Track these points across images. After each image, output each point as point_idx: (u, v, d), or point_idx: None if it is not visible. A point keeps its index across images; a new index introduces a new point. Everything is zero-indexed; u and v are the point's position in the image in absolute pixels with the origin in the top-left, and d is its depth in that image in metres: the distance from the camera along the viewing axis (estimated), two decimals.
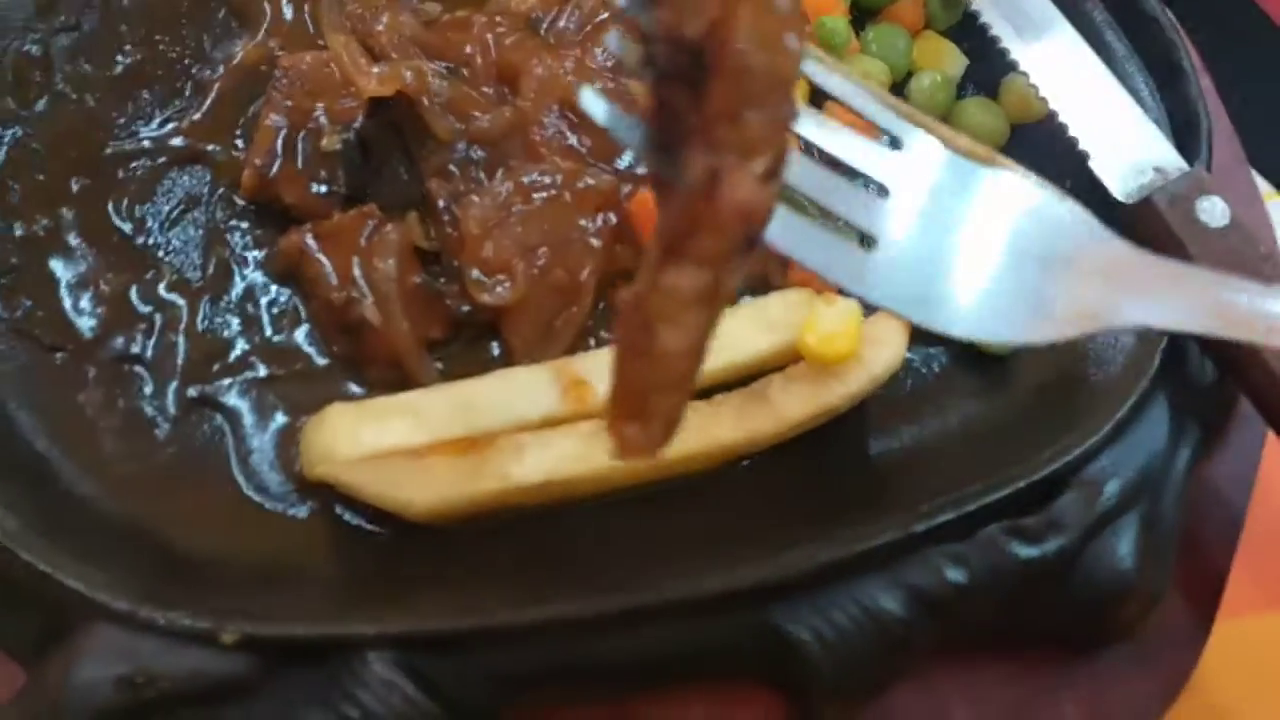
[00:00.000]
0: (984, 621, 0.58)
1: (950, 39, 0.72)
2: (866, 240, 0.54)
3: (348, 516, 0.57)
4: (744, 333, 0.61)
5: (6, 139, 0.65)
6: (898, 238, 0.54)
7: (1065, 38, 0.69)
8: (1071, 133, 0.66)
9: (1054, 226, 0.55)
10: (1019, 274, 0.54)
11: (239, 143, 0.65)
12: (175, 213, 0.64)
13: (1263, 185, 0.82)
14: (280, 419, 0.59)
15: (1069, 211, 0.55)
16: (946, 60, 0.72)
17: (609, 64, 0.66)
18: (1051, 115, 0.67)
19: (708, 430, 0.59)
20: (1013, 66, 0.69)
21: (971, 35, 0.72)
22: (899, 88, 0.71)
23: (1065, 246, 0.55)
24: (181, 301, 0.62)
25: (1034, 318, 0.54)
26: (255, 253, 0.63)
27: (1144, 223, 0.64)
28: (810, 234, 0.52)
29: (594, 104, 0.45)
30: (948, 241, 0.54)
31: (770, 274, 0.66)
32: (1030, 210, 0.55)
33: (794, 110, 0.38)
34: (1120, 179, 0.65)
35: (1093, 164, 0.66)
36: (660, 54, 0.38)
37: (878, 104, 0.57)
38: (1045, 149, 0.68)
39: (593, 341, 0.62)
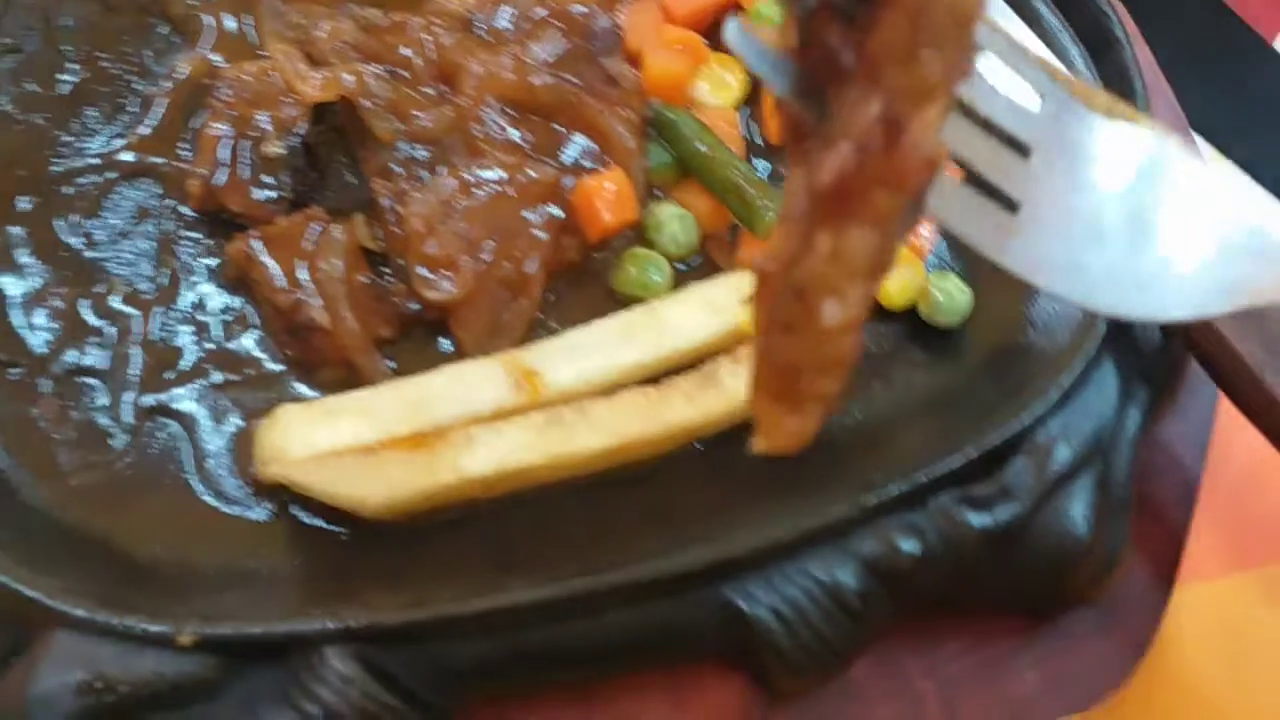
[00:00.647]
0: (940, 591, 0.59)
1: None
2: (1008, 204, 0.49)
3: (304, 517, 0.58)
4: (690, 317, 0.62)
5: None
6: (1040, 203, 0.49)
7: (1000, 17, 0.69)
8: None
9: (1200, 192, 0.50)
10: (1161, 243, 0.49)
11: (185, 154, 0.66)
12: (124, 226, 0.65)
13: (1206, 149, 0.83)
14: (235, 424, 0.60)
15: (1217, 176, 0.50)
16: None
17: (546, 59, 0.66)
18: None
19: (659, 414, 0.59)
20: None
21: None
22: None
23: (1213, 215, 0.49)
24: (133, 313, 0.62)
25: (1180, 291, 0.49)
26: (205, 261, 0.64)
27: None
28: (953, 195, 0.47)
29: (738, 38, 0.39)
30: (1091, 208, 0.49)
31: (717, 257, 0.67)
32: (1174, 174, 0.50)
33: (975, 52, 0.34)
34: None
35: None
36: None
37: (1019, 57, 0.51)
38: None
39: (543, 333, 0.63)
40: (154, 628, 0.51)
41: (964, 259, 0.68)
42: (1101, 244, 0.49)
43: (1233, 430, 0.68)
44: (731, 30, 0.39)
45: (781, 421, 0.38)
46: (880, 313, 0.66)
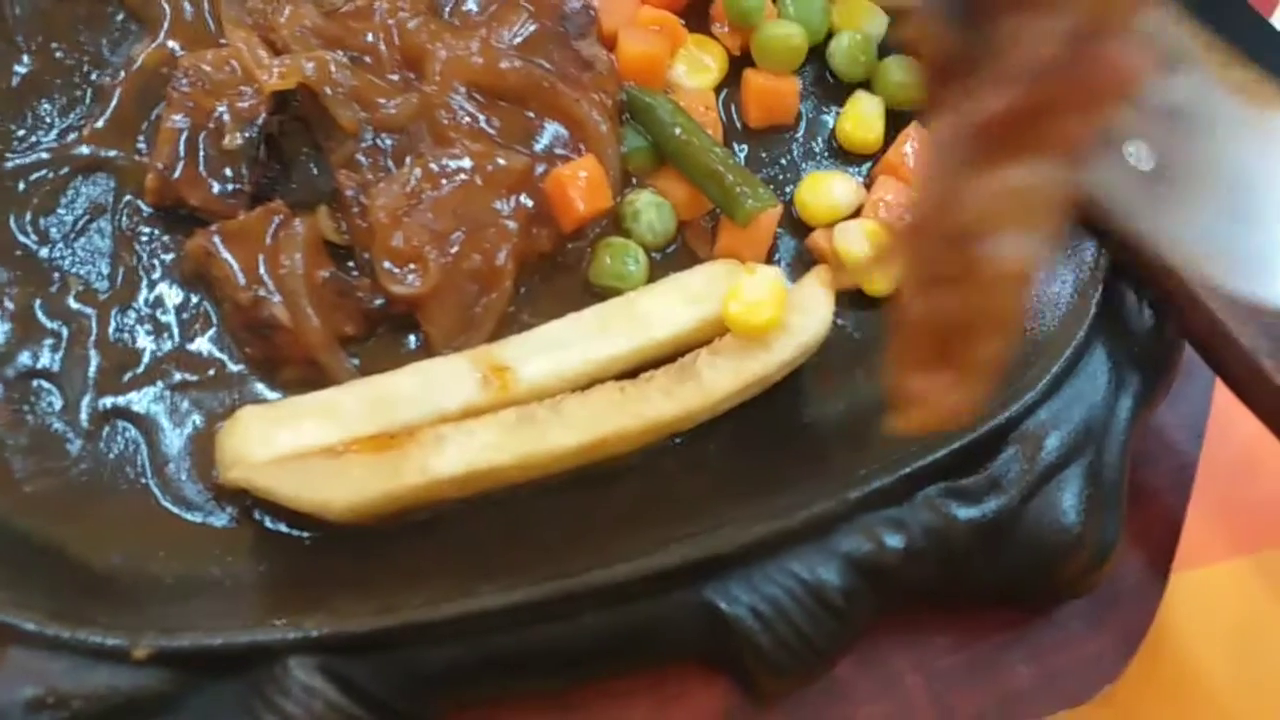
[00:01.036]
0: (928, 586, 0.57)
1: None
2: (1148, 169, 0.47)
3: (267, 522, 0.56)
4: (667, 308, 0.60)
5: None
6: (1180, 170, 0.47)
7: None
8: None
9: None
10: None
11: (142, 147, 0.64)
12: (80, 223, 0.62)
13: None
14: (195, 427, 0.58)
15: None
16: (867, 19, 0.70)
17: (516, 42, 0.64)
18: None
19: (635, 409, 0.57)
20: None
21: None
22: (819, 49, 0.70)
23: None
24: (90, 312, 0.60)
25: None
26: (163, 258, 0.62)
27: None
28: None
29: None
30: (1237, 182, 0.48)
31: (695, 246, 0.65)
32: None
33: None
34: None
35: None
36: None
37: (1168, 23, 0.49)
38: None
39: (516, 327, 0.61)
40: (108, 641, 0.49)
41: None
42: (1247, 222, 0.47)
43: (1229, 414, 0.66)
44: None
45: (936, 394, 0.34)
46: (862, 299, 0.64)
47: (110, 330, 0.60)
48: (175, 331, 0.60)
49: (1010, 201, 0.31)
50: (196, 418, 0.58)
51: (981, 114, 0.32)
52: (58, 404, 0.58)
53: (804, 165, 0.68)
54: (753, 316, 0.58)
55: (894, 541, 0.55)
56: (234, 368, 0.60)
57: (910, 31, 0.36)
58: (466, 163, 0.61)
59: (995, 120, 0.31)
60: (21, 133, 0.64)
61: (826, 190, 0.65)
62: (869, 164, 0.68)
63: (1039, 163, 0.31)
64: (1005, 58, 0.31)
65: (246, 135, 0.61)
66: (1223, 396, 0.66)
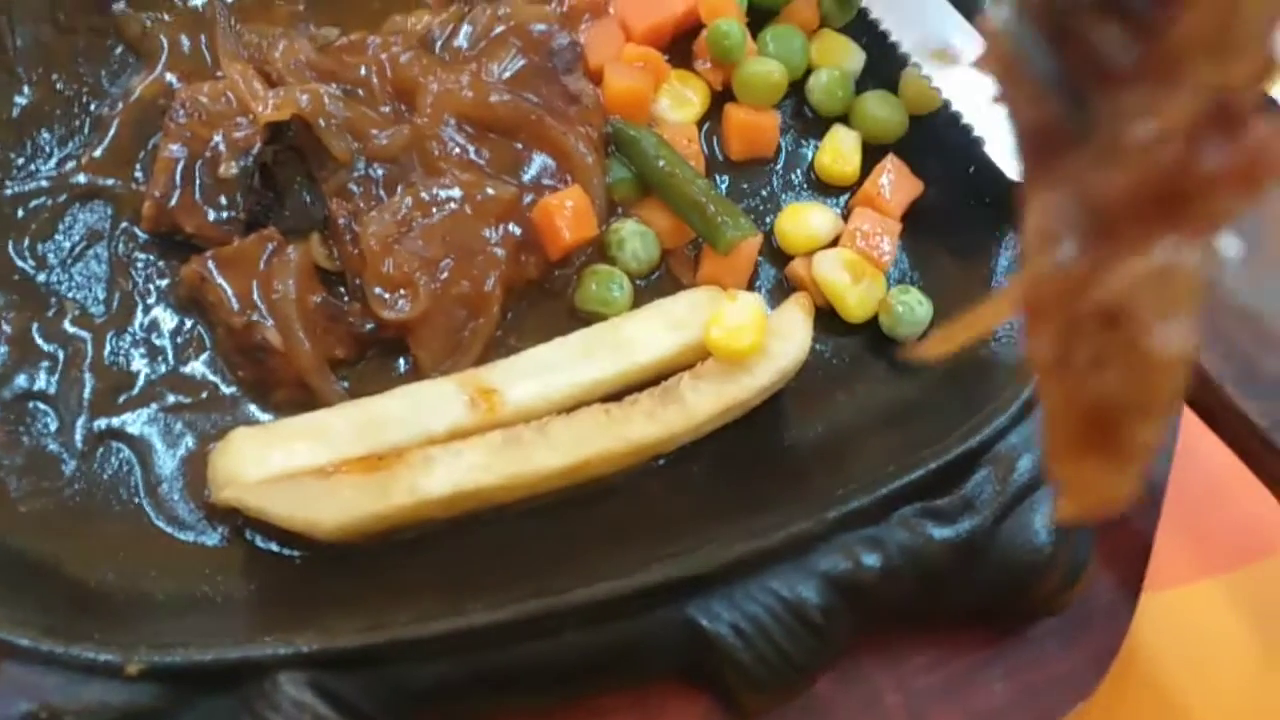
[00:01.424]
0: (905, 605, 0.58)
1: (850, 36, 0.74)
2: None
3: (258, 541, 0.57)
4: (651, 333, 0.62)
5: None
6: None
7: (956, 29, 0.70)
8: (966, 121, 0.67)
9: None
10: None
11: (139, 176, 0.65)
12: (77, 249, 0.64)
13: None
14: (188, 448, 0.59)
15: None
16: (845, 57, 0.73)
17: (505, 76, 0.66)
18: (946, 105, 0.68)
19: (619, 431, 0.59)
20: (906, 60, 0.70)
21: (870, 31, 0.73)
22: (799, 85, 0.72)
23: None
24: (86, 336, 0.61)
25: None
26: (159, 284, 0.63)
27: None
28: None
29: (1014, 21, 0.32)
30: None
31: (678, 273, 0.66)
32: None
33: None
34: (1016, 162, 0.66)
35: (988, 149, 0.67)
36: None
37: None
38: (945, 138, 0.69)
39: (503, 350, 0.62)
40: (102, 657, 0.50)
41: (924, 273, 0.68)
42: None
43: (1197, 438, 0.68)
44: (1005, 17, 0.32)
45: (1090, 481, 0.31)
46: (840, 325, 0.66)
47: (106, 353, 0.61)
48: (169, 355, 0.61)
49: (1155, 283, 0.29)
50: (189, 439, 0.59)
51: (1106, 190, 0.29)
52: (53, 425, 0.59)
53: (783, 196, 0.70)
54: (734, 341, 0.59)
55: (871, 560, 0.56)
56: (227, 390, 0.61)
57: (1004, 95, 0.33)
58: (456, 192, 0.63)
59: (1123, 198, 0.29)
60: (21, 161, 0.65)
61: (805, 220, 0.67)
62: (846, 195, 0.70)
63: (1181, 242, 0.29)
64: (1126, 133, 0.29)
65: (242, 164, 0.62)
66: (1191, 421, 0.68)
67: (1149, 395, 0.30)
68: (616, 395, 0.61)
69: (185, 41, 0.68)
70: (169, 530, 0.57)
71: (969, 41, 0.69)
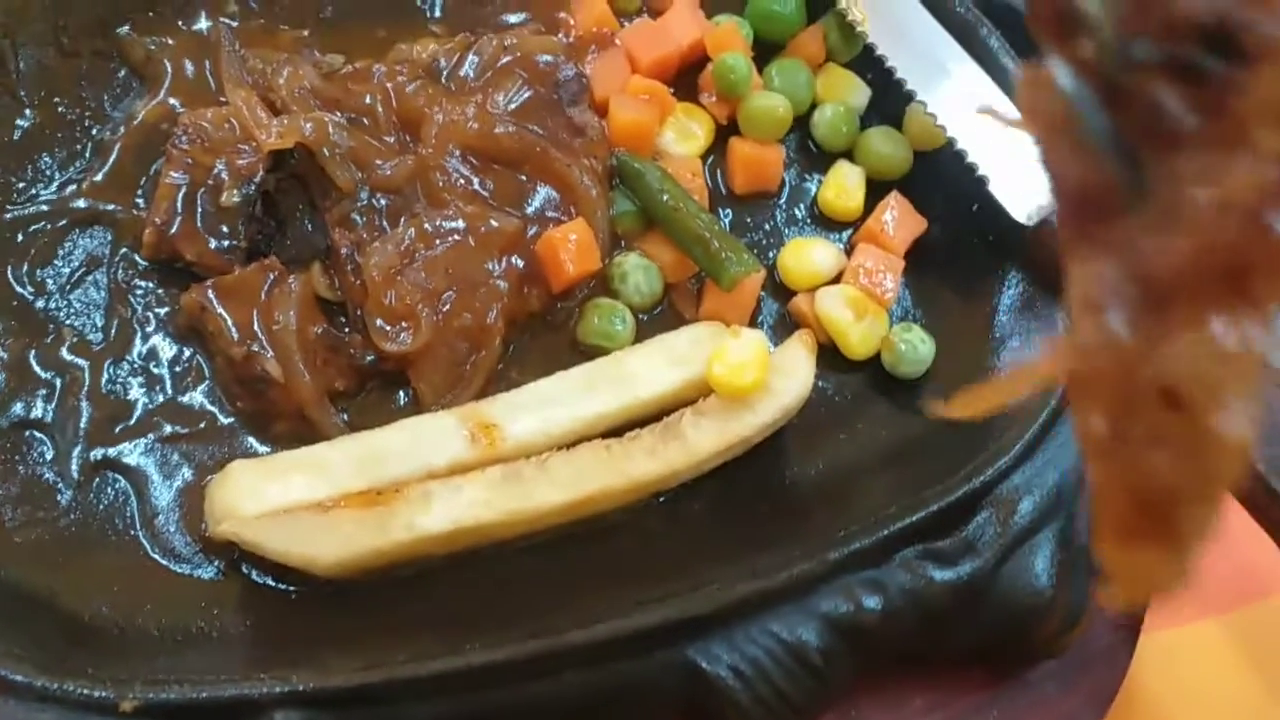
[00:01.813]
0: (904, 646, 0.58)
1: (855, 71, 0.74)
2: None
3: (255, 575, 0.56)
4: (653, 368, 0.61)
5: None
6: None
7: (961, 66, 0.70)
8: (970, 159, 0.67)
9: None
10: None
11: (140, 202, 0.65)
12: (76, 275, 0.63)
13: None
14: (185, 479, 0.59)
15: None
16: (850, 92, 0.73)
17: (511, 108, 0.66)
18: (951, 142, 0.68)
19: (621, 467, 0.58)
20: (911, 96, 0.70)
21: (875, 67, 0.73)
22: (804, 120, 0.72)
23: None
24: (83, 364, 0.61)
25: None
26: (158, 311, 0.63)
27: (1044, 243, 0.65)
28: None
29: (1073, 83, 0.30)
30: None
31: (681, 307, 0.66)
32: None
33: None
34: (1019, 202, 0.66)
35: (992, 188, 0.67)
36: (1150, 37, 0.27)
37: None
38: (949, 175, 0.69)
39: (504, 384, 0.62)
40: (96, 693, 0.49)
41: (926, 311, 0.68)
42: None
43: None
44: (1063, 75, 0.30)
45: (1142, 567, 0.30)
46: (843, 363, 0.66)
47: (103, 382, 0.61)
48: (167, 384, 0.61)
49: (1216, 361, 0.28)
50: (186, 470, 0.59)
51: (1161, 260, 0.27)
52: (49, 454, 0.59)
53: (787, 231, 0.70)
54: (736, 378, 0.59)
55: (872, 602, 0.56)
56: (225, 421, 0.60)
57: (1049, 156, 0.31)
58: (460, 224, 0.62)
59: (1180, 268, 0.28)
60: (21, 185, 0.65)
61: (808, 256, 0.67)
62: (850, 231, 0.70)
63: (1240, 319, 0.27)
64: (1184, 199, 0.27)
65: (244, 192, 0.62)
66: None
67: (1206, 478, 0.28)
68: (618, 430, 0.60)
69: (189, 66, 0.68)
70: (165, 563, 0.57)
71: (971, 79, 0.69)
